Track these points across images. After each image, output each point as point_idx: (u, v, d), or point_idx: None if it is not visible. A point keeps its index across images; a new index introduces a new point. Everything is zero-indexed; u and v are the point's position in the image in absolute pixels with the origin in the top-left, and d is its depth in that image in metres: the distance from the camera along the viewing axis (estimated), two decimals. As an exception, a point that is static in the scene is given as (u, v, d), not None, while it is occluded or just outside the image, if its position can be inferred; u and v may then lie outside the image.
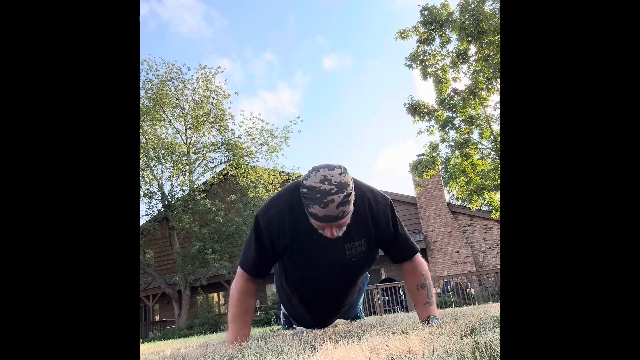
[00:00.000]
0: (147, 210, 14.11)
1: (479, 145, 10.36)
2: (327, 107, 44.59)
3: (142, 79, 13.57)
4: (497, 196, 10.09)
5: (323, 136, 46.16)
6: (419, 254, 1.86)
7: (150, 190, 13.98)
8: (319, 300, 2.00)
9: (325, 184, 1.45)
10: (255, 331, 3.69)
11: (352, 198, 1.51)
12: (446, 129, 10.22)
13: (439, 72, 10.28)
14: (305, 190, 1.49)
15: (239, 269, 1.79)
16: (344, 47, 44.67)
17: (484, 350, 0.81)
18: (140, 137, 13.31)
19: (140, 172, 13.45)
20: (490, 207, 10.66)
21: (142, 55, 14.21)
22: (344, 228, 1.58)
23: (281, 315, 2.81)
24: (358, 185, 1.67)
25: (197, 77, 14.21)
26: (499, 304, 3.19)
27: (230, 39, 38.26)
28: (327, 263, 1.75)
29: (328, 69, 44.10)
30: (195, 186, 14.21)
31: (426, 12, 10.02)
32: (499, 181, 8.94)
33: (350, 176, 1.54)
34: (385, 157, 48.75)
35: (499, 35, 9.01)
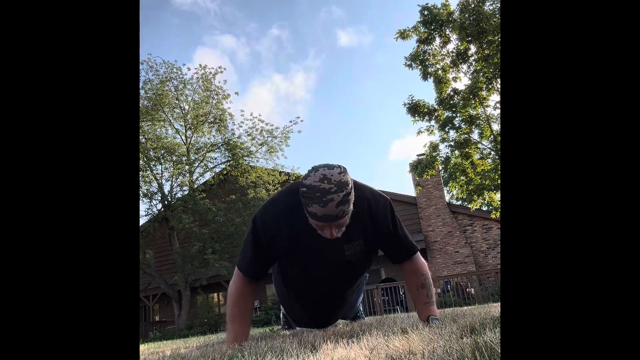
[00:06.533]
0: (147, 210, 14.10)
1: (479, 145, 10.35)
2: (342, 92, 40.97)
3: (142, 79, 13.58)
4: (497, 196, 10.09)
5: (333, 127, 43.50)
6: (419, 255, 1.85)
7: (150, 190, 13.97)
8: (317, 300, 2.00)
9: (324, 183, 1.44)
10: (255, 331, 3.69)
11: (352, 197, 1.50)
12: (446, 129, 10.22)
13: (439, 72, 10.27)
14: (304, 189, 1.47)
15: (236, 270, 1.78)
16: (363, 20, 40.68)
17: (484, 350, 0.81)
18: (140, 137, 13.31)
19: (140, 172, 13.44)
20: (490, 207, 10.66)
21: (142, 55, 14.20)
22: (343, 229, 1.57)
23: (281, 315, 2.82)
24: (357, 186, 1.66)
25: (197, 77, 14.21)
26: (499, 304, 3.19)
27: (236, 11, 35.14)
28: (326, 264, 1.74)
29: (344, 46, 40.30)
30: (195, 186, 14.20)
31: (426, 12, 10.01)
32: (499, 181, 8.94)
33: (350, 176, 1.53)
34: (398, 148, 46.16)
35: (499, 35, 9.01)
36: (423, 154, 10.87)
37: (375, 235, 1.74)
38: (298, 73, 43.38)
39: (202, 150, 14.55)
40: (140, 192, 13.21)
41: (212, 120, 14.48)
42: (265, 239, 1.67)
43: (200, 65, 14.34)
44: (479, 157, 10.35)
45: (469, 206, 10.81)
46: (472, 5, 9.55)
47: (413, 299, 1.87)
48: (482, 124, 10.14)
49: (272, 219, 1.67)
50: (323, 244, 1.63)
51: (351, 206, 1.51)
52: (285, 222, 1.65)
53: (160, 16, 30.58)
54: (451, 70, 10.33)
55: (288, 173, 14.32)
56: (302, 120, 32.33)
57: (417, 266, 1.82)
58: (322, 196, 1.43)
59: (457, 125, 10.18)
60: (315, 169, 1.51)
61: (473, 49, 10.05)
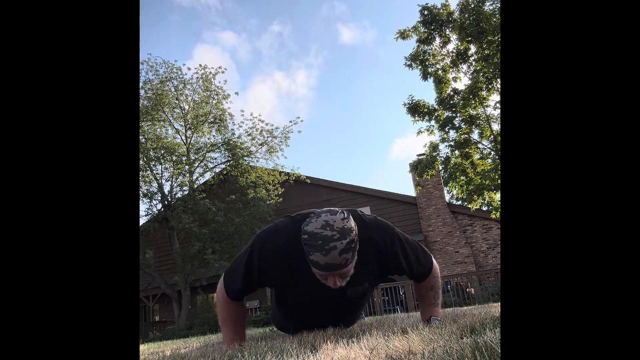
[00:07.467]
0: (147, 210, 14.09)
1: (479, 145, 10.35)
2: (343, 89, 40.08)
3: (142, 79, 13.57)
4: (497, 196, 10.09)
5: (334, 125, 42.65)
6: (433, 261, 1.81)
7: (150, 190, 13.96)
8: (316, 326, 1.90)
9: (327, 230, 1.38)
10: (255, 331, 3.69)
11: (356, 245, 1.43)
12: (446, 129, 10.21)
13: (439, 72, 10.27)
14: (306, 236, 1.41)
15: (222, 283, 1.72)
16: (365, 15, 39.61)
17: (484, 350, 0.81)
18: (140, 137, 13.30)
19: (140, 172, 13.44)
20: (490, 207, 10.65)
21: (142, 55, 14.20)
22: (348, 278, 1.50)
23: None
24: (363, 225, 1.58)
25: (197, 77, 14.21)
26: (499, 304, 3.19)
27: (236, 7, 34.56)
28: (325, 299, 1.67)
29: (346, 42, 39.31)
30: (195, 186, 14.19)
31: (426, 12, 10.01)
32: (499, 181, 8.94)
33: (353, 222, 1.45)
34: (401, 146, 45.51)
35: (499, 35, 9.01)
36: (423, 154, 10.86)
37: (385, 273, 1.70)
38: (299, 70, 42.97)
39: (202, 150, 14.54)
40: (140, 192, 13.20)
41: (212, 120, 14.47)
42: (257, 269, 1.61)
43: (200, 65, 14.35)
44: (479, 157, 10.34)
45: (469, 206, 10.81)
46: (472, 5, 9.55)
47: (419, 298, 1.86)
48: (482, 124, 10.13)
49: (271, 251, 1.59)
50: (323, 285, 1.54)
51: (355, 255, 1.45)
52: (284, 257, 1.57)
53: (161, 13, 30.36)
54: (451, 70, 10.32)
55: (288, 173, 14.31)
56: (302, 120, 32.14)
57: (430, 272, 1.80)
58: (324, 244, 1.37)
59: (457, 125, 10.17)
60: (317, 214, 1.44)
61: (473, 49, 10.05)
